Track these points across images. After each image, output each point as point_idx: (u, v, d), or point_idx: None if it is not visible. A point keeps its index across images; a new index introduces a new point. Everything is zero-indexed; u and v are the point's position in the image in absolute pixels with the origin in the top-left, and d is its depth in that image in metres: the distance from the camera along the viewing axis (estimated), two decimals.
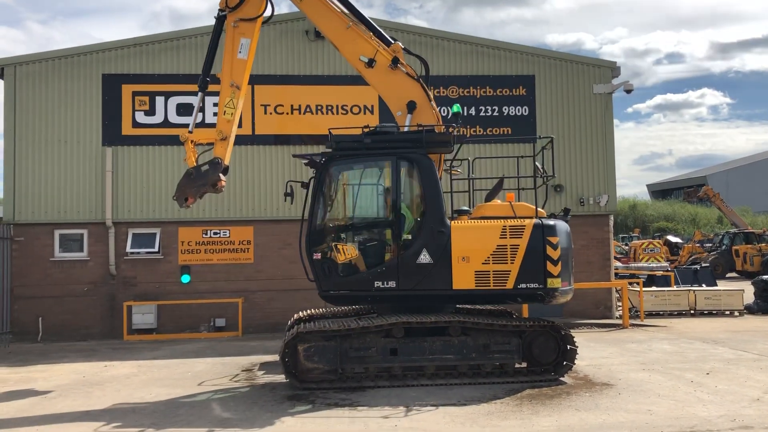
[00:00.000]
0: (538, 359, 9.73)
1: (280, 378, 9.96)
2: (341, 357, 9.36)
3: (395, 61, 10.56)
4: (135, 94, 16.35)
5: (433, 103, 10.59)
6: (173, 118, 16.36)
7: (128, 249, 16.10)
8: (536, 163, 10.97)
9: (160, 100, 16.37)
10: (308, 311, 11.39)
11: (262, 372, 10.88)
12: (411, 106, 10.44)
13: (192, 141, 10.68)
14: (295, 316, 11.25)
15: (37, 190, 15.96)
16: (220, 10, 10.82)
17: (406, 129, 10.41)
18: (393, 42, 10.74)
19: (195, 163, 10.53)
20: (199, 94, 11.03)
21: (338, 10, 10.83)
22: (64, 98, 16.18)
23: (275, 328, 15.48)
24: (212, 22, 11.20)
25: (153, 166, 16.24)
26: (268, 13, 10.88)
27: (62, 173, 16.06)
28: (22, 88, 16.09)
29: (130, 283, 16.15)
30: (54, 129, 16.12)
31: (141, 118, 16.37)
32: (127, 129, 16.22)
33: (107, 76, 16.31)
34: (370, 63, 10.58)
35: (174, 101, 16.34)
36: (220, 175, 10.49)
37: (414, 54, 11.15)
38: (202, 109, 16.07)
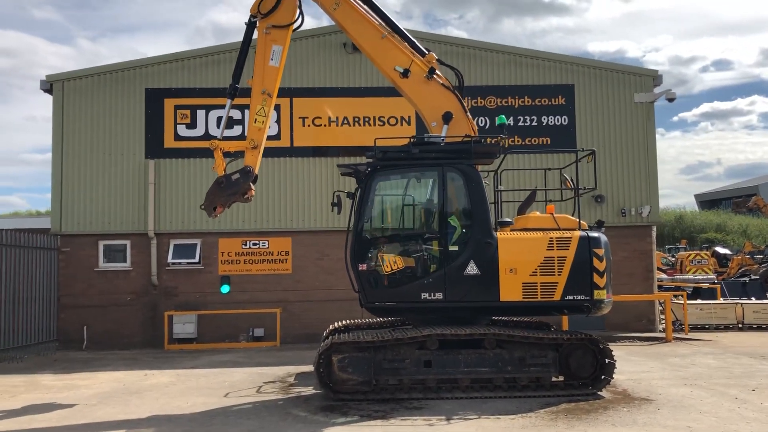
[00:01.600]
0: (576, 373, 9.55)
1: (316, 388, 9.99)
2: (375, 368, 9.33)
3: (431, 72, 10.49)
4: (177, 107, 16.72)
5: (469, 114, 10.53)
6: (214, 130, 16.65)
7: (170, 259, 16.41)
8: (564, 174, 10.82)
9: (201, 114, 16.70)
10: (344, 322, 11.42)
11: (298, 382, 10.93)
12: (447, 117, 10.35)
13: (221, 149, 10.67)
14: (331, 326, 11.29)
15: (83, 201, 16.42)
16: (251, 16, 10.79)
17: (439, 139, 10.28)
18: (427, 52, 10.69)
19: (224, 172, 10.52)
20: (228, 101, 11.04)
21: (372, 18, 10.80)
22: (108, 112, 16.64)
23: (312, 339, 15.55)
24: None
25: (194, 178, 16.56)
26: (299, 22, 10.83)
27: (106, 185, 16.49)
28: (69, 103, 16.62)
29: (171, 293, 16.45)
30: (99, 142, 16.59)
31: (183, 131, 16.72)
32: (169, 142, 16.58)
33: (150, 90, 16.71)
34: (405, 73, 10.49)
35: (215, 114, 16.66)
36: (251, 184, 10.49)
37: (448, 65, 11.10)
38: (239, 121, 16.35)
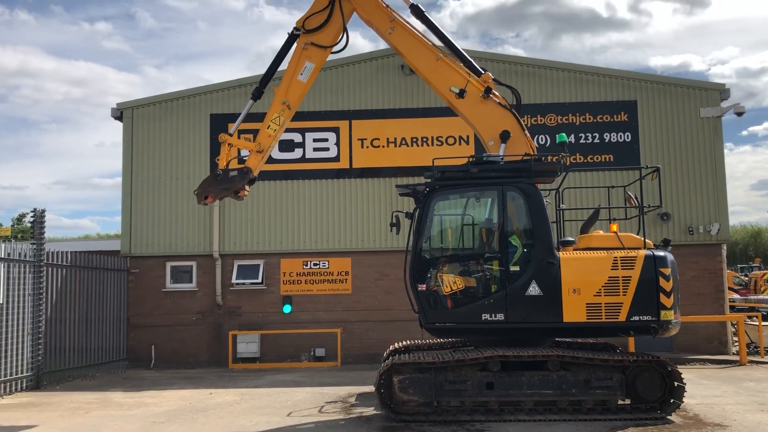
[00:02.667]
0: (643, 396, 9.27)
1: (377, 409, 9.99)
2: (436, 390, 9.28)
3: (487, 91, 10.45)
4: (240, 132, 17.08)
5: (527, 132, 10.44)
6: (276, 154, 17.00)
7: (234, 280, 16.77)
8: (628, 192, 10.58)
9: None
10: (404, 342, 11.40)
11: (359, 402, 10.96)
12: (504, 136, 10.26)
13: (229, 144, 10.87)
14: (392, 347, 11.29)
15: (151, 224, 16.98)
16: (295, 28, 10.92)
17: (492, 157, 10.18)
18: (483, 72, 10.67)
19: (225, 166, 10.67)
20: (250, 101, 11.21)
21: (427, 41, 10.82)
22: (175, 138, 17.21)
23: (373, 359, 15.58)
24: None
25: (256, 200, 16.92)
26: (340, 46, 10.90)
27: (173, 208, 17.02)
28: (138, 130, 17.28)
29: (235, 312, 16.79)
30: (166, 167, 17.16)
31: (246, 154, 17.08)
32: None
33: (215, 115, 17.22)
34: (461, 93, 10.45)
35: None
36: (246, 185, 10.63)
37: (504, 84, 11.05)
38: (300, 144, 16.63)
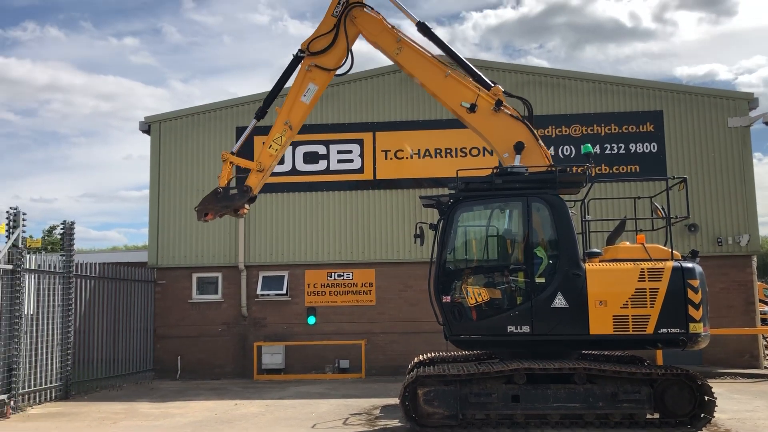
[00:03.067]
0: (672, 410, 9.14)
1: (402, 421, 9.96)
2: (461, 402, 9.23)
3: (498, 104, 10.45)
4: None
5: (541, 142, 10.40)
6: (300, 166, 17.15)
7: (259, 291, 16.86)
8: (655, 203, 10.47)
9: (288, 150, 17.14)
10: (429, 354, 11.37)
11: (384, 415, 10.92)
12: (518, 147, 10.24)
13: (231, 162, 11.01)
14: (416, 359, 11.26)
15: (178, 236, 17.17)
16: (300, 50, 11.08)
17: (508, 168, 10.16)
18: (493, 85, 10.66)
19: (226, 184, 10.82)
20: (253, 121, 11.36)
21: (434, 58, 10.85)
22: (201, 150, 17.42)
23: (397, 371, 15.54)
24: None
25: (281, 212, 17.04)
26: (344, 69, 11.08)
27: None
28: (165, 143, 17.53)
29: (260, 323, 16.87)
30: (192, 179, 17.35)
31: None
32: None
33: (240, 128, 17.39)
34: (472, 108, 10.47)
35: (301, 150, 17.13)
36: (245, 203, 10.76)
37: (515, 96, 11.05)
38: (324, 156, 16.73)
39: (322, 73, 11.01)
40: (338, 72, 11.15)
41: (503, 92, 10.61)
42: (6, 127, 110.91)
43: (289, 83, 11.43)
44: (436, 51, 11.18)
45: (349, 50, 11.01)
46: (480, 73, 10.94)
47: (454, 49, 11.20)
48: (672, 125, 16.67)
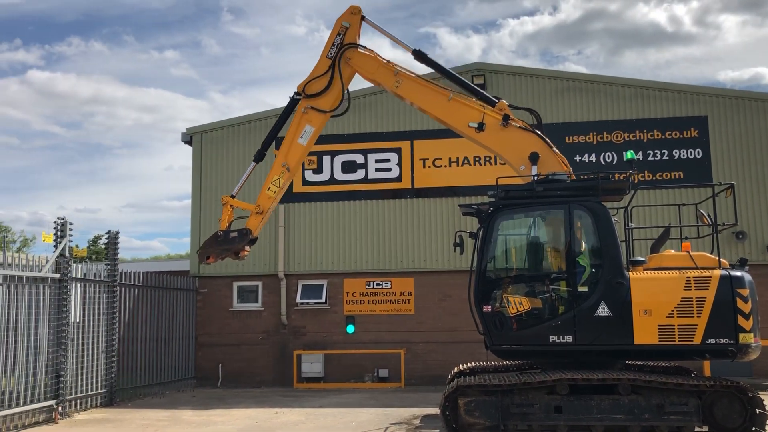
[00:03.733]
0: (722, 423, 8.85)
1: (442, 431, 9.90)
2: (503, 413, 9.09)
3: (506, 118, 10.37)
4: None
5: (555, 149, 10.30)
6: (338, 175, 17.23)
7: (298, 299, 16.96)
8: (701, 210, 10.21)
9: (326, 159, 17.33)
10: (469, 364, 11.26)
11: (424, 425, 10.86)
12: (533, 158, 10.13)
13: (231, 206, 11.19)
14: (456, 368, 11.17)
15: None
16: (296, 93, 11.23)
17: (532, 178, 10.04)
18: (497, 100, 10.63)
19: (226, 227, 10.99)
20: (252, 164, 11.53)
21: (435, 84, 10.88)
22: (241, 160, 17.61)
23: (436, 380, 15.44)
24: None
25: (320, 221, 17.13)
26: (341, 110, 11.17)
27: None
28: (206, 153, 17.80)
29: (299, 332, 16.96)
30: (232, 189, 17.46)
31: (310, 176, 17.39)
32: (297, 187, 17.25)
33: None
34: (480, 127, 10.40)
35: (339, 159, 17.22)
36: (246, 246, 10.92)
37: (521, 107, 11.01)
38: (362, 165, 16.76)
39: (318, 115, 11.12)
40: (335, 113, 11.28)
41: (508, 105, 10.56)
42: (52, 139, 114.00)
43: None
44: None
45: (344, 91, 11.13)
46: (482, 91, 10.97)
47: (452, 71, 11.28)
48: (717, 130, 16.30)
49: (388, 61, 11.01)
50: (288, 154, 11.13)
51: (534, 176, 10.15)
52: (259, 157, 11.56)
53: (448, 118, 10.75)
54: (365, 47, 11.11)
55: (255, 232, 11.05)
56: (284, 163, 11.11)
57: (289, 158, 11.13)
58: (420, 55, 11.17)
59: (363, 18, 11.18)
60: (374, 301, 16.86)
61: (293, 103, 11.26)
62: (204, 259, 11.13)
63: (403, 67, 10.97)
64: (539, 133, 10.37)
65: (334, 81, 10.97)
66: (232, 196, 11.35)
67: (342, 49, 11.01)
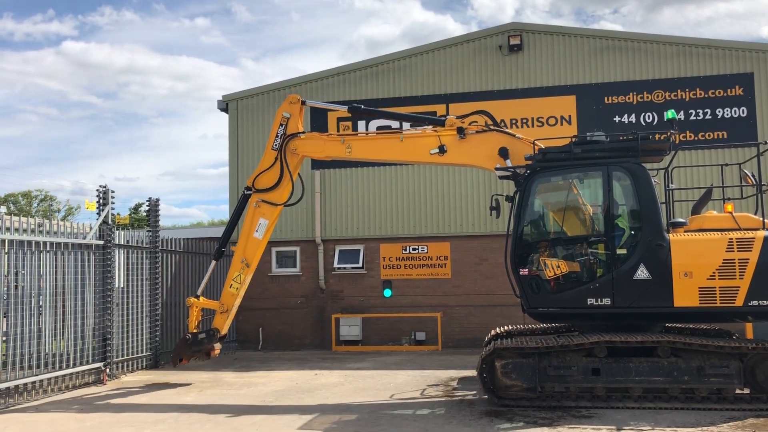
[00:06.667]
0: (764, 386, 8.77)
1: (479, 393, 9.98)
2: (540, 375, 9.13)
3: (461, 131, 10.51)
4: (339, 120, 17.44)
5: (519, 136, 10.44)
6: None
7: (335, 264, 17.14)
8: (745, 170, 9.95)
9: (361, 125, 17.29)
10: (506, 327, 11.30)
11: (461, 386, 10.97)
12: (503, 153, 10.24)
13: (197, 307, 11.69)
14: (493, 331, 11.21)
15: None
16: (246, 187, 11.51)
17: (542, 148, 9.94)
18: (445, 118, 10.79)
19: (194, 330, 11.53)
20: (212, 263, 12.00)
21: (381, 133, 11.18)
22: None
23: (473, 343, 15.54)
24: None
25: (356, 186, 17.19)
26: (294, 200, 11.44)
27: None
28: (243, 120, 17.92)
29: (337, 296, 17.17)
30: None
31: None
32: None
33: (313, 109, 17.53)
34: (442, 149, 10.60)
35: (374, 124, 17.16)
36: (215, 345, 11.44)
37: (467, 114, 11.02)
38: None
39: (270, 208, 11.43)
40: (288, 204, 11.54)
41: (456, 117, 10.72)
42: (90, 109, 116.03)
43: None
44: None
45: (293, 182, 11.34)
46: (427, 117, 11.27)
47: (394, 111, 11.71)
48: (763, 88, 15.79)
49: (330, 133, 11.45)
50: (246, 250, 11.53)
51: (572, 138, 10.01)
52: (218, 255, 12.06)
53: (409, 156, 11.04)
54: (305, 132, 11.51)
55: (223, 330, 11.70)
56: (243, 260, 11.49)
57: (248, 253, 11.52)
58: (355, 110, 11.63)
59: (303, 103, 11.53)
60: (411, 266, 16.94)
61: (245, 198, 11.59)
62: (177, 362, 11.72)
63: (347, 132, 11.29)
64: (497, 128, 10.56)
65: (283, 174, 11.28)
66: (197, 297, 11.88)
67: (285, 141, 11.30)
